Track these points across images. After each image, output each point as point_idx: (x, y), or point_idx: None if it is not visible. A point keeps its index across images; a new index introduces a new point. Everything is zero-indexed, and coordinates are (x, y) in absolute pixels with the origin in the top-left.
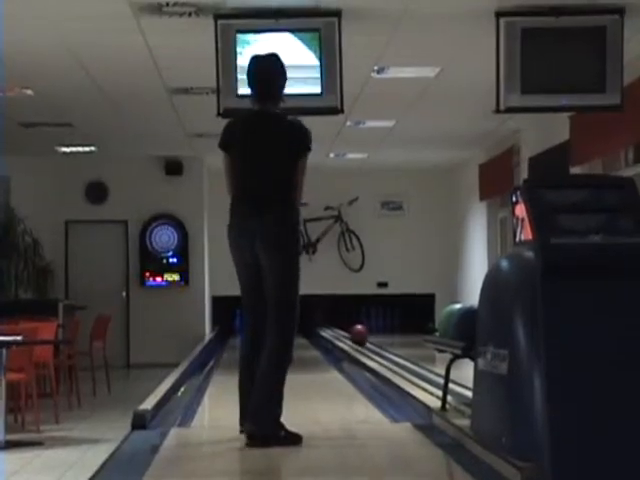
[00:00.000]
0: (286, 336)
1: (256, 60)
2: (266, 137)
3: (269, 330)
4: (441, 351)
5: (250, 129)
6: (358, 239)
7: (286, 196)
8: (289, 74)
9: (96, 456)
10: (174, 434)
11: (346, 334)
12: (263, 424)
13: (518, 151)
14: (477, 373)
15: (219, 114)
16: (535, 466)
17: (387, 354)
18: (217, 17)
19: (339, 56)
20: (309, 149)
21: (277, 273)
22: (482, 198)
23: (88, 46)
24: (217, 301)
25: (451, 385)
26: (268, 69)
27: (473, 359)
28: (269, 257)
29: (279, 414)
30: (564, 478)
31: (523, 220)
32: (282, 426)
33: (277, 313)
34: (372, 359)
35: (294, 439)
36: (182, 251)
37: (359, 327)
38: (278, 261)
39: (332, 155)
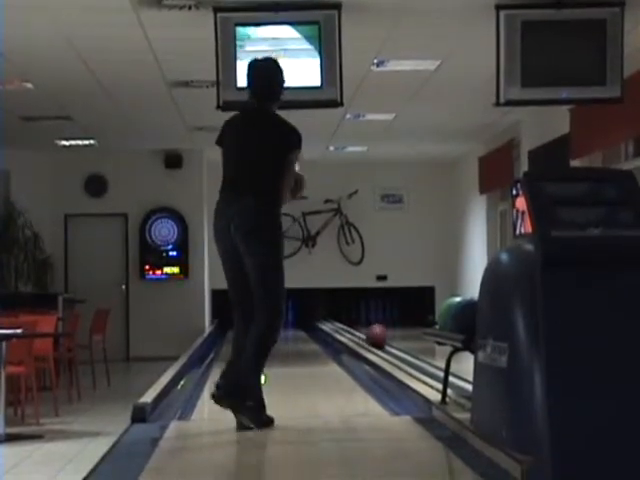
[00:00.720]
0: (269, 325)
1: (255, 63)
2: (264, 131)
3: (256, 319)
4: (441, 344)
5: (250, 123)
6: (358, 232)
7: (269, 187)
8: (288, 67)
9: (96, 449)
10: (174, 427)
11: (346, 327)
12: (232, 381)
13: (518, 144)
14: (477, 366)
15: (219, 107)
16: (535, 459)
17: (387, 347)
18: (217, 10)
19: (339, 49)
20: (299, 148)
21: (256, 262)
22: (482, 191)
23: (88, 39)
24: (217, 294)
25: (451, 378)
26: (267, 73)
27: (473, 352)
28: (247, 246)
29: (252, 384)
30: (564, 471)
31: (524, 213)
32: (255, 399)
33: (260, 303)
34: (372, 352)
35: (258, 417)
36: (182, 244)
37: (377, 328)
38: (256, 249)
39: (332, 148)
